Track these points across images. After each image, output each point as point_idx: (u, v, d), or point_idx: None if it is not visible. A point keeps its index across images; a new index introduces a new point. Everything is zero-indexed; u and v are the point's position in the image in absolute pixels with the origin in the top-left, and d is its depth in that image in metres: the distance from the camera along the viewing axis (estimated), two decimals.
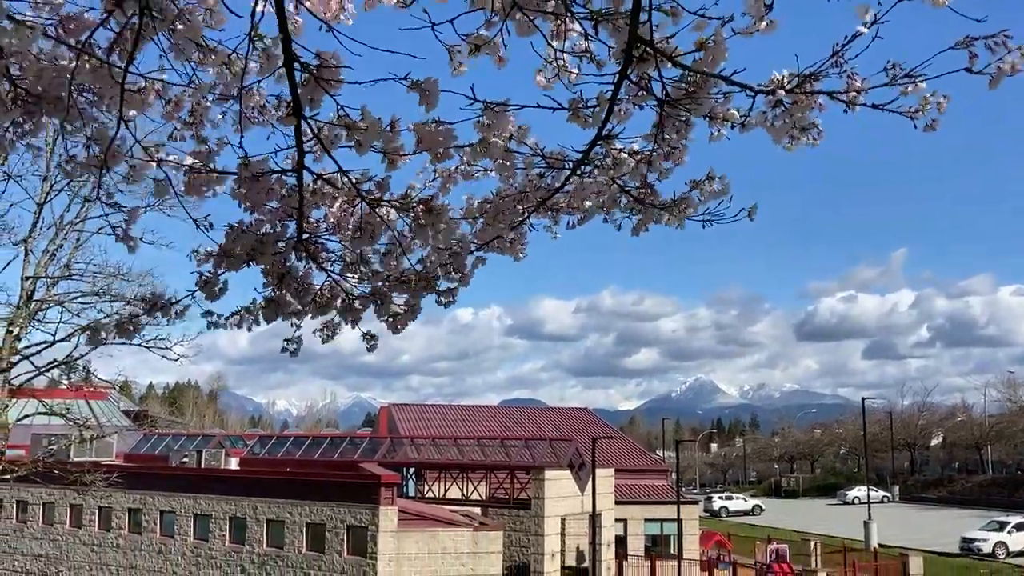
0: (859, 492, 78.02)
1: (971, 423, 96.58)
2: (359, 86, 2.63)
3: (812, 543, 43.93)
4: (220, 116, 2.95)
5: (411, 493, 37.38)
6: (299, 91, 2.60)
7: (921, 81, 2.56)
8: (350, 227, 3.08)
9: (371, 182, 2.97)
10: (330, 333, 3.58)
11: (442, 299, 3.49)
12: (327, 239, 3.24)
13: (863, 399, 67.27)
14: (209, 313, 3.37)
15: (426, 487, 37.07)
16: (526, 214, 3.26)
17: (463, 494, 35.32)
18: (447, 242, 3.17)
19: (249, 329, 3.47)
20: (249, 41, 2.63)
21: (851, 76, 2.60)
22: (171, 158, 2.98)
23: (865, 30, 2.42)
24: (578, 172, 3.08)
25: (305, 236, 3.18)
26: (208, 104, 2.92)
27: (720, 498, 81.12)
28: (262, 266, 3.19)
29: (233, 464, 39.45)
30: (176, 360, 23.42)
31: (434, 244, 3.16)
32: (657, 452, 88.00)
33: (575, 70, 2.62)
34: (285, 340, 3.63)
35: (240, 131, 2.85)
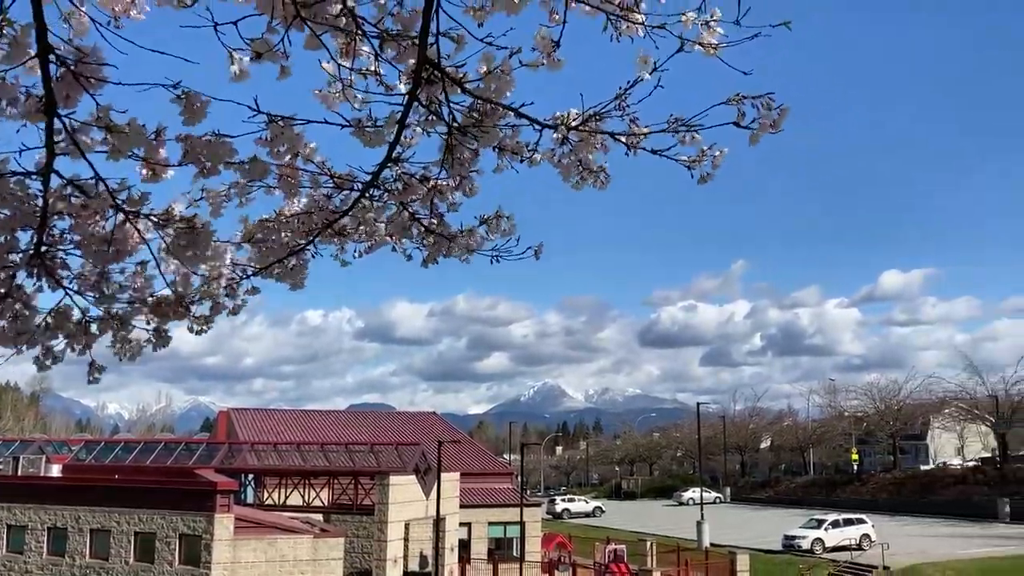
0: (693, 493, 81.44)
1: (796, 427, 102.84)
2: (126, 88, 2.47)
3: (648, 543, 45.49)
4: None
5: (250, 500, 36.24)
6: (53, 86, 2.40)
7: (697, 132, 2.69)
8: (96, 241, 2.87)
9: (128, 191, 2.77)
10: (50, 361, 3.26)
11: (195, 326, 3.32)
12: (72, 252, 3.00)
13: (698, 404, 70.40)
14: None
15: (266, 494, 36.03)
16: (311, 237, 3.16)
17: (305, 501, 34.58)
18: (213, 265, 3.03)
19: None
20: None
21: (633, 120, 2.69)
22: None
23: (647, 76, 2.52)
24: (367, 195, 3.02)
25: (44, 249, 2.92)
26: None
27: (563, 500, 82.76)
28: None
29: (55, 471, 37.04)
30: None
31: (192, 266, 3.00)
32: (504, 455, 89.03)
33: (363, 90, 2.59)
34: (90, 368, 3.35)
35: None
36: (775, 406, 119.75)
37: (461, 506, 39.51)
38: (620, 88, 2.59)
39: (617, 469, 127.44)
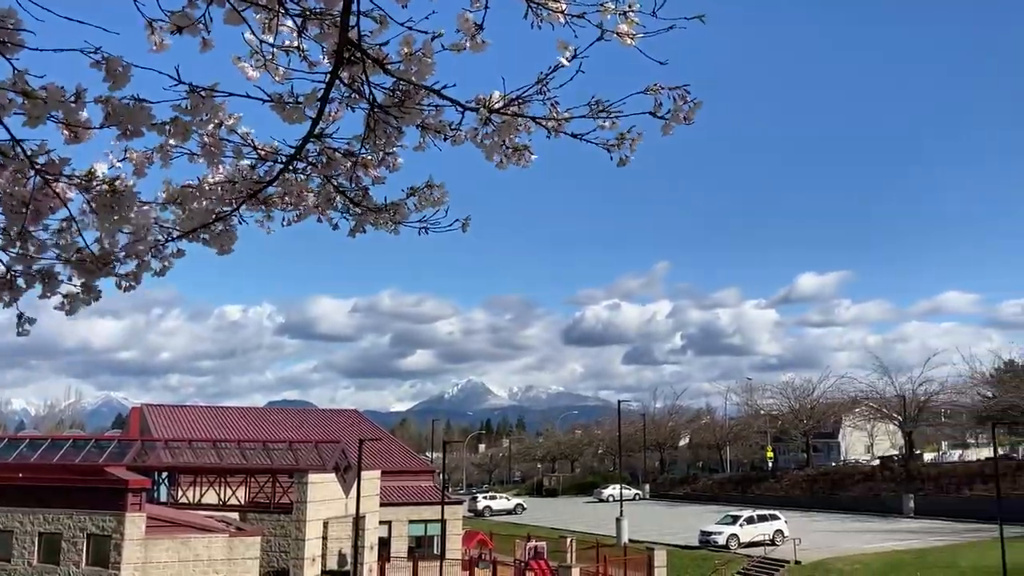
0: (613, 490, 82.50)
1: (714, 425, 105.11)
2: (45, 54, 2.43)
3: (568, 540, 45.93)
4: None
5: (163, 499, 35.34)
6: None
7: (617, 118, 2.76)
8: (15, 202, 2.82)
9: (48, 155, 2.74)
10: None
11: (123, 282, 3.30)
12: None
13: (619, 402, 71.33)
14: None
15: (180, 492, 35.20)
16: (235, 204, 3.15)
17: (221, 499, 33.89)
18: (138, 225, 2.99)
19: None
20: None
21: (554, 104, 2.75)
22: None
23: (567, 63, 2.57)
24: (291, 168, 3.03)
25: None
26: None
27: (484, 498, 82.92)
28: None
29: None
30: None
31: (113, 228, 2.97)
32: (427, 453, 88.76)
33: (285, 66, 2.58)
34: (18, 320, 3.28)
35: None
36: (694, 404, 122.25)
37: (382, 504, 39.26)
38: (541, 73, 2.64)
39: (539, 466, 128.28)
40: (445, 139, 2.88)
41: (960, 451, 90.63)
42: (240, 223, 3.25)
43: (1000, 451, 71.49)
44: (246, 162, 3.04)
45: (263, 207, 3.23)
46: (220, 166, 3.04)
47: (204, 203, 3.09)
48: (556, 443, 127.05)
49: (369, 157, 2.99)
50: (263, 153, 2.97)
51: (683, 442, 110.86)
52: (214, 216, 3.17)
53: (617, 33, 2.48)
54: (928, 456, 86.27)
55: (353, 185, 3.16)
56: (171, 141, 2.81)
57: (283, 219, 3.36)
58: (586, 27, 2.49)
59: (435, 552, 42.88)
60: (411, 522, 43.71)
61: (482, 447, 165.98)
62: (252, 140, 2.94)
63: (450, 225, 3.37)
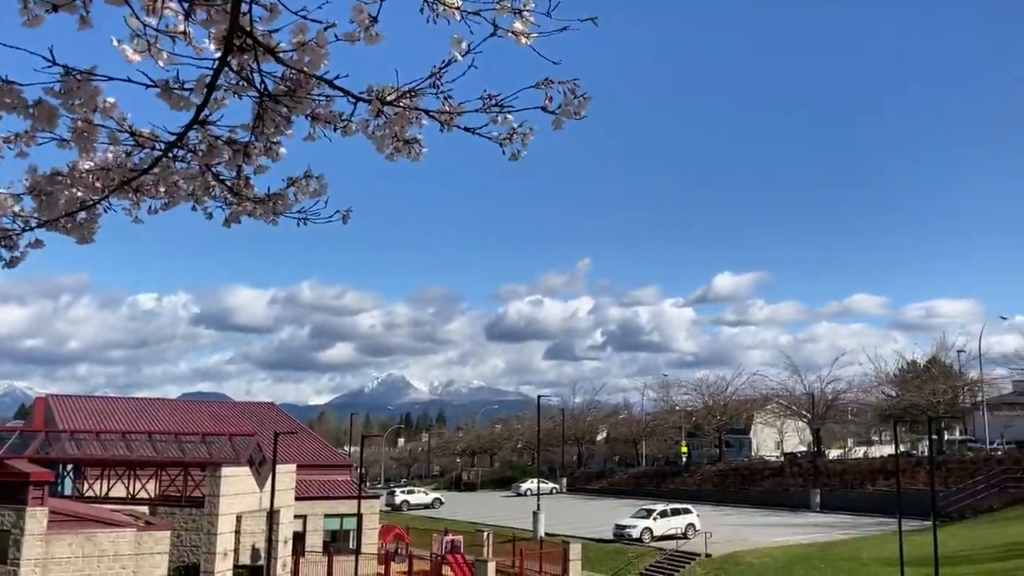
0: (531, 484, 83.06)
1: (631, 420, 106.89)
2: None
3: (485, 534, 46.12)
4: None
5: (68, 492, 34.20)
6: None
7: (509, 112, 2.80)
8: None
9: None
10: None
11: None
12: None
13: (539, 397, 71.89)
14: None
15: (86, 485, 34.12)
16: (105, 192, 3.06)
17: (129, 493, 33.01)
18: None
19: None
20: None
21: (447, 98, 2.77)
22: None
23: (460, 58, 2.60)
24: (170, 155, 2.96)
25: None
26: None
27: (402, 492, 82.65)
28: None
29: None
30: None
31: None
32: (345, 447, 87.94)
33: (169, 51, 2.53)
34: None
35: None
36: (612, 400, 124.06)
37: (297, 498, 38.74)
38: (435, 67, 2.66)
39: (458, 461, 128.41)
40: (336, 130, 2.86)
41: (865, 448, 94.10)
42: (106, 211, 3.16)
43: (901, 448, 74.51)
44: (122, 148, 2.95)
45: (134, 195, 3.14)
46: (93, 153, 2.95)
47: (73, 191, 2.99)
48: (476, 438, 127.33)
49: (255, 146, 2.95)
50: (141, 139, 2.90)
51: (601, 437, 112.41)
52: (79, 205, 3.08)
53: (512, 31, 2.52)
54: (834, 453, 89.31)
55: (234, 174, 3.11)
56: (36, 125, 2.71)
57: (150, 206, 3.27)
58: (481, 24, 2.51)
59: (351, 546, 42.56)
60: (327, 516, 43.29)
61: (401, 441, 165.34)
62: (129, 126, 2.86)
63: (330, 217, 3.34)
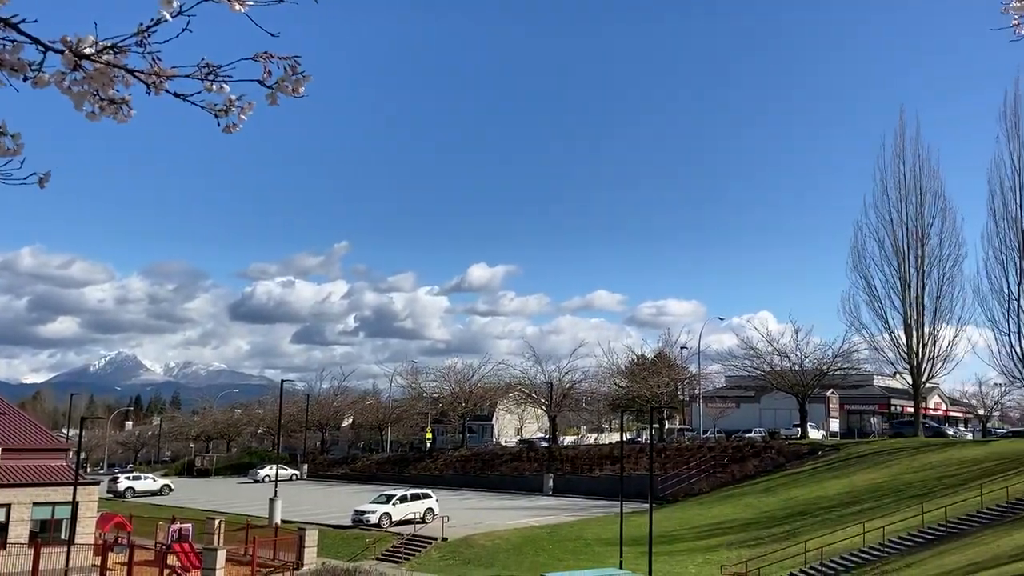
0: (270, 471, 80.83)
1: (378, 406, 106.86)
2: None
3: (217, 521, 44.28)
4: None
5: None
6: None
7: (226, 82, 2.65)
8: None
9: None
10: None
11: None
12: None
13: (282, 381, 70.28)
14: None
15: None
16: None
17: None
18: None
19: None
20: None
21: (156, 59, 2.58)
22: None
23: (170, 17, 2.42)
24: None
25: None
26: None
27: (127, 478, 77.44)
28: None
29: None
30: None
31: None
32: (64, 430, 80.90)
33: None
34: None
35: None
36: (361, 385, 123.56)
37: (1, 485, 35.13)
38: (141, 24, 2.45)
39: (192, 446, 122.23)
40: (25, 80, 2.55)
41: (596, 435, 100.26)
42: None
43: (627, 435, 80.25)
44: None
45: None
46: None
47: None
48: (213, 422, 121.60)
49: None
50: None
51: (346, 422, 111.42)
52: None
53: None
54: (569, 439, 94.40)
55: None
56: None
57: None
58: None
59: (63, 537, 39.18)
60: (36, 505, 39.53)
61: (129, 425, 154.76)
62: None
63: (25, 178, 2.99)
